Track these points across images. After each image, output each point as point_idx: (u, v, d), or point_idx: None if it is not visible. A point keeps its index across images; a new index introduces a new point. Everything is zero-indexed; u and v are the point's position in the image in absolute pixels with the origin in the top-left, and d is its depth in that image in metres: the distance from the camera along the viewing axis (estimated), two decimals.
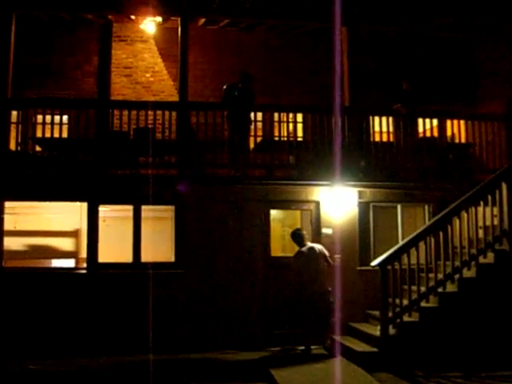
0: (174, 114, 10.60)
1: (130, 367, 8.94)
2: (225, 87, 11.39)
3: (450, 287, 9.36)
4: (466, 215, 9.54)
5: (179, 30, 11.08)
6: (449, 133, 11.63)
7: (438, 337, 9.08)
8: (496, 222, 9.61)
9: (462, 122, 11.68)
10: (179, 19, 11.13)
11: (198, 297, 10.25)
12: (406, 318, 9.17)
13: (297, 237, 9.94)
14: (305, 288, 9.64)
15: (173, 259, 10.35)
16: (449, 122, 11.46)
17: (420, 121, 11.71)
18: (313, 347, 9.69)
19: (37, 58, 12.73)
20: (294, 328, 10.04)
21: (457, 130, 11.48)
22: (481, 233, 9.59)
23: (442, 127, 11.48)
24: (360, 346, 9.36)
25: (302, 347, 9.72)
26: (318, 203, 10.82)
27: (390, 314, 9.06)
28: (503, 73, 13.49)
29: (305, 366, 8.89)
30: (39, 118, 10.55)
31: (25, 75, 11.86)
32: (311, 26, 12.43)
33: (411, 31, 12.62)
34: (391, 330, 9.04)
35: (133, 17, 12.09)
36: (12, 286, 9.93)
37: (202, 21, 12.22)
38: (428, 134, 11.77)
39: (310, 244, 9.88)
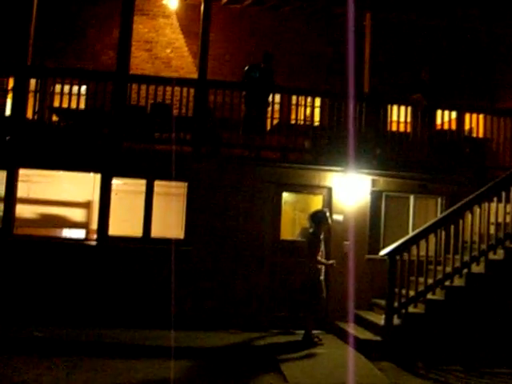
0: (192, 91, 10.57)
1: (133, 340, 9.01)
2: (246, 68, 11.36)
3: (458, 281, 9.34)
4: (478, 210, 9.51)
5: (202, 6, 11.01)
6: (467, 126, 11.51)
7: (442, 330, 9.08)
8: (508, 219, 9.56)
9: (481, 117, 11.56)
10: None
11: (206, 275, 10.28)
12: (411, 309, 9.18)
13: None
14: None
15: (182, 236, 10.37)
16: (467, 116, 11.35)
17: (438, 113, 11.62)
18: (315, 332, 9.66)
19: (58, 27, 12.81)
20: (295, 311, 10.13)
21: (475, 124, 11.36)
22: (492, 229, 9.56)
23: (460, 120, 11.36)
24: (364, 334, 9.39)
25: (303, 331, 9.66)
26: (330, 189, 10.80)
27: (396, 304, 9.08)
28: None
29: (307, 352, 8.91)
30: (57, 87, 10.53)
31: (45, 44, 11.86)
32: (335, 9, 12.31)
33: (435, 20, 12.49)
34: (396, 320, 9.06)
35: None
36: (22, 254, 10.02)
37: None
38: (446, 126, 11.68)
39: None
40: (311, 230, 9.53)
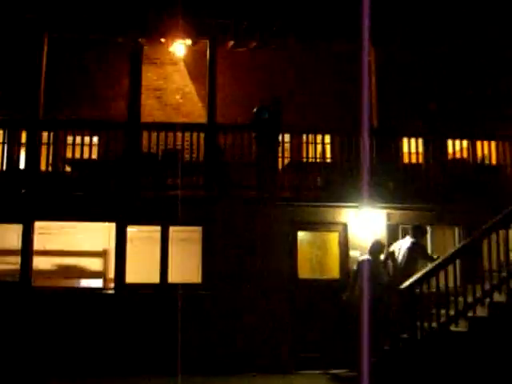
0: (202, 135, 10.67)
1: None
2: (255, 109, 11.44)
3: (480, 311, 9.16)
4: (496, 238, 9.38)
5: (208, 52, 11.15)
6: (479, 154, 11.44)
7: (468, 362, 8.88)
8: None
9: (493, 143, 11.49)
10: (208, 42, 11.23)
11: (225, 318, 10.21)
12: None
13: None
14: None
15: (200, 280, 10.35)
16: (479, 143, 11.29)
17: (450, 142, 11.58)
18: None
19: (68, 78, 12.91)
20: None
21: (487, 151, 11.30)
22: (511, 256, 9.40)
23: (472, 148, 11.31)
24: None
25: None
26: (345, 225, 10.75)
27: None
28: None
29: None
30: (69, 138, 10.66)
31: (55, 95, 11.98)
32: (338, 47, 12.41)
33: (439, 48, 12.50)
34: None
35: (163, 40, 12.22)
36: (40, 305, 10.03)
37: (231, 43, 12.29)
38: (458, 155, 11.62)
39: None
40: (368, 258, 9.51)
